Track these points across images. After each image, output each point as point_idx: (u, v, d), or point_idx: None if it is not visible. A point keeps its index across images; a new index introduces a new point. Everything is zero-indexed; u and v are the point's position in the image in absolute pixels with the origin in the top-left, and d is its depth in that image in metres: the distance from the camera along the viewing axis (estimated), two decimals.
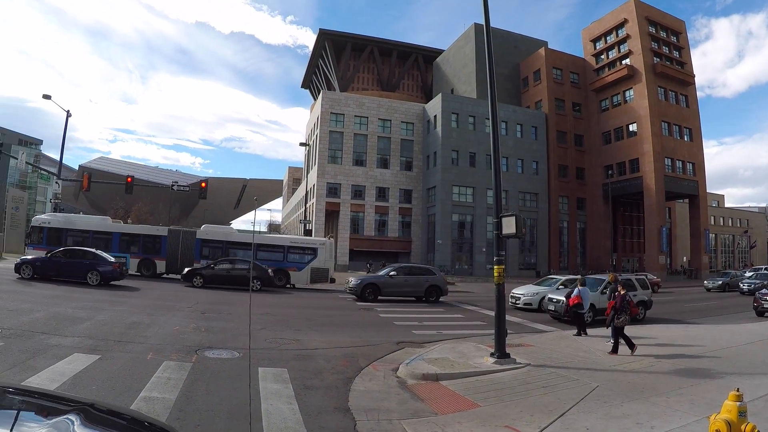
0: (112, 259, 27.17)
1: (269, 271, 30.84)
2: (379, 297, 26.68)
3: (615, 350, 13.02)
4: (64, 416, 2.30)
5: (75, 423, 2.21)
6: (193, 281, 28.89)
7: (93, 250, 28.02)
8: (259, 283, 28.87)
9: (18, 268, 25.77)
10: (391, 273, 28.06)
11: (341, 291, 31.30)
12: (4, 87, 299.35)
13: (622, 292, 13.38)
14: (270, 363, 10.73)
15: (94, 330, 13.40)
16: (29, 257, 27.32)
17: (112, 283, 26.06)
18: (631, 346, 12.95)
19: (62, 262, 25.99)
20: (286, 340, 13.70)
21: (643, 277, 25.66)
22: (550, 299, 21.81)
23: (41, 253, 29.61)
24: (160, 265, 34.65)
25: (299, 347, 12.97)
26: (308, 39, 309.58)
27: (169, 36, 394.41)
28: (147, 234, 36.42)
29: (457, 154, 68.79)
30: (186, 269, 30.31)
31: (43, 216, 38.15)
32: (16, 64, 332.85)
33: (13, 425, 2.13)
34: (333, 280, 36.52)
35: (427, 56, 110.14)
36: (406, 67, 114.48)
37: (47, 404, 2.73)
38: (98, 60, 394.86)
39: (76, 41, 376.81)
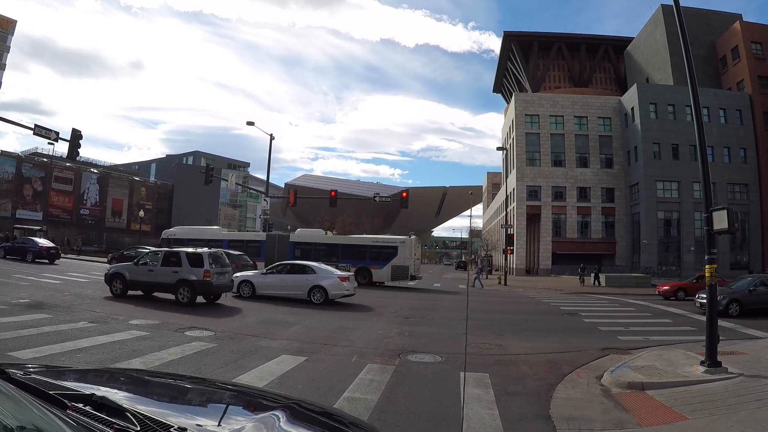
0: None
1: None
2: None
3: None
4: (271, 412, 2.36)
5: (281, 419, 2.27)
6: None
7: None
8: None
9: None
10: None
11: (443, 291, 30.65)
12: (211, 119, 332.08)
13: None
14: (472, 368, 10.66)
15: (301, 333, 14.40)
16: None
17: None
18: None
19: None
20: (488, 345, 13.65)
21: (207, 252, 20.85)
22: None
23: None
24: (260, 267, 36.04)
25: (501, 352, 12.90)
26: (493, 43, 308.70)
27: (358, 56, 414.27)
28: (249, 239, 41.28)
29: (659, 147, 63.58)
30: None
31: (170, 230, 45.50)
32: (219, 97, 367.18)
33: (221, 418, 2.23)
34: (414, 278, 36.84)
35: (617, 46, 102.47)
36: (596, 59, 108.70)
37: (254, 400, 2.84)
38: (294, 86, 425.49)
39: (272, 71, 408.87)
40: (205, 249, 22.10)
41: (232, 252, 32.71)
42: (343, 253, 37.40)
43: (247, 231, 49.29)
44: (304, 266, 24.52)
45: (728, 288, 24.88)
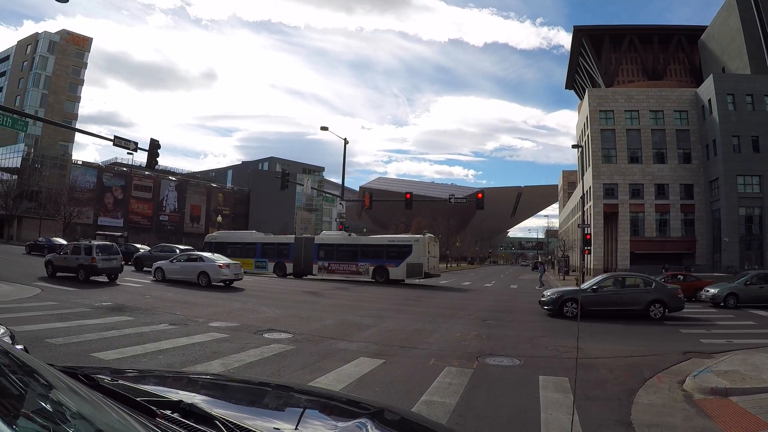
0: None
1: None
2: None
3: None
4: (356, 420, 2.25)
5: (368, 429, 2.14)
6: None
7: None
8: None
9: None
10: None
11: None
12: (285, 125, 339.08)
13: None
14: (551, 371, 10.59)
15: (379, 336, 14.48)
16: None
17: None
18: None
19: None
20: (566, 348, 13.41)
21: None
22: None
23: None
24: (289, 267, 41.91)
25: (580, 355, 12.57)
26: (562, 38, 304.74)
27: (427, 58, 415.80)
28: (280, 242, 44.40)
29: (738, 140, 59.82)
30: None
31: (212, 234, 51.09)
32: (292, 104, 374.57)
33: (297, 424, 2.17)
34: (429, 275, 38.47)
35: (690, 35, 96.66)
36: (669, 50, 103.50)
37: (340, 406, 2.75)
38: (365, 89, 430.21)
39: (342, 76, 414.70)
40: (96, 242, 30.37)
41: (181, 246, 41.21)
42: (362, 253, 39.67)
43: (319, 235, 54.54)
44: (197, 256, 30.98)
45: (572, 287, 24.15)
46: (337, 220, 49.03)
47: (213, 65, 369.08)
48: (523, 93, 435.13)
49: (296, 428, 2.12)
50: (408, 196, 43.18)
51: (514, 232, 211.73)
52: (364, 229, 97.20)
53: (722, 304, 26.10)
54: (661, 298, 20.83)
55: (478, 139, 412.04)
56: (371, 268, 38.09)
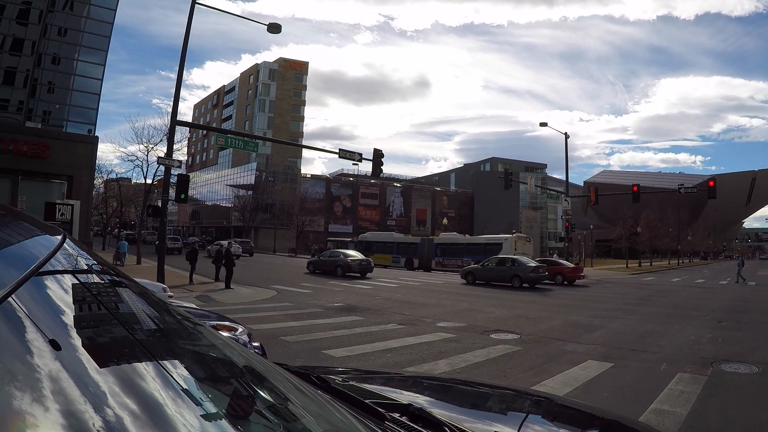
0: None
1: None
2: None
3: None
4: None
5: None
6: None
7: None
8: None
9: None
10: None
11: None
12: (502, 124, 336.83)
13: None
14: None
15: (607, 338, 13.75)
16: None
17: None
18: None
19: None
20: None
21: None
22: None
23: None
24: (415, 262, 50.14)
25: None
26: None
27: (639, 39, 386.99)
28: (410, 242, 54.44)
29: None
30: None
31: (364, 234, 63.09)
32: (507, 102, 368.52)
33: (519, 430, 2.04)
34: None
35: None
36: None
37: (563, 412, 2.58)
38: (579, 80, 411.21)
39: (554, 69, 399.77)
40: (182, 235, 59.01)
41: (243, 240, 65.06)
42: (466, 250, 46.44)
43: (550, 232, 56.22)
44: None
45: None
46: (563, 217, 48.17)
47: (425, 73, 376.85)
48: (747, 65, 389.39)
49: None
50: (635, 188, 40.87)
51: (750, 222, 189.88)
52: (591, 226, 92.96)
53: (464, 281, 32.81)
54: None
55: (702, 122, 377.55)
56: (472, 263, 40.24)
